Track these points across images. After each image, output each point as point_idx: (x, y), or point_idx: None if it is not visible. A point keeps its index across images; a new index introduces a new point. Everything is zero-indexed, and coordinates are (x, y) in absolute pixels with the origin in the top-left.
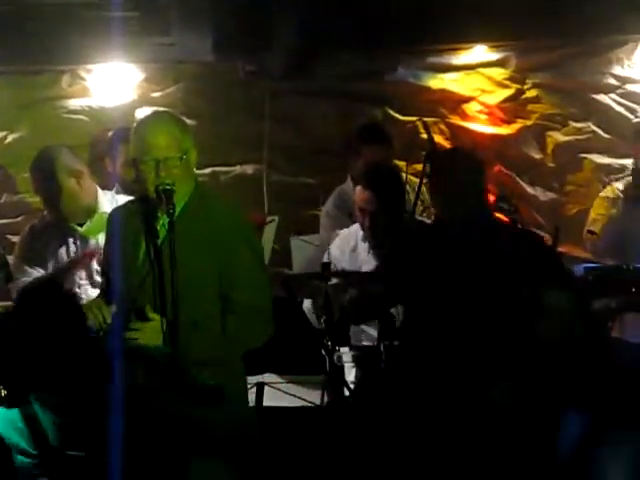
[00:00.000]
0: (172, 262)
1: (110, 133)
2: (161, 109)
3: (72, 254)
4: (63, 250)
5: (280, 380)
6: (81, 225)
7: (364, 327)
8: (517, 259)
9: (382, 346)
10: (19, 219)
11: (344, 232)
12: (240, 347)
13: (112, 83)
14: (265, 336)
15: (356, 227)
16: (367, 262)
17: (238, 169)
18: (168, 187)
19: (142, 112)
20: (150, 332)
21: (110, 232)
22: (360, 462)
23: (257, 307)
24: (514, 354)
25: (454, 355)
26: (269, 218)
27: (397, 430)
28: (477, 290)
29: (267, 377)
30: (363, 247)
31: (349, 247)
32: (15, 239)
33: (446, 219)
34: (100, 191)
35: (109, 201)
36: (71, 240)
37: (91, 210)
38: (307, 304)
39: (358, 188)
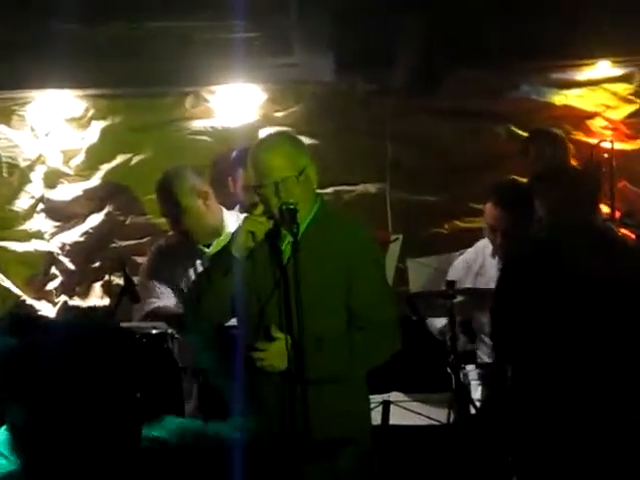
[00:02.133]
0: (297, 281)
1: (233, 154)
2: (283, 129)
3: None
4: (191, 272)
5: (406, 398)
6: (208, 246)
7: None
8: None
9: None
10: (144, 240)
11: (469, 251)
12: (367, 363)
13: (235, 104)
14: (391, 351)
15: (483, 244)
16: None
17: (361, 188)
18: (292, 207)
19: (265, 132)
20: (275, 352)
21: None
22: None
23: (384, 323)
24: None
25: (578, 374)
26: (393, 237)
27: (524, 449)
28: (598, 306)
29: (393, 395)
30: (492, 263)
31: (477, 265)
32: (140, 260)
33: (559, 234)
34: (225, 211)
35: (235, 221)
36: (199, 262)
37: (217, 231)
38: (432, 322)
39: (488, 205)
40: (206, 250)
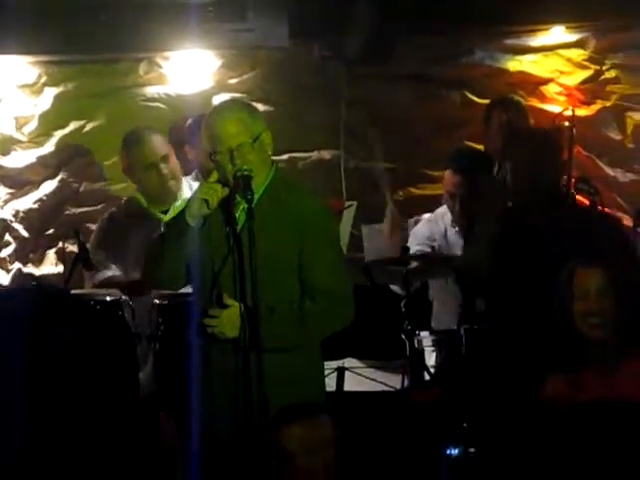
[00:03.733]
0: (251, 248)
1: (189, 121)
2: (238, 96)
3: None
4: (145, 238)
5: (360, 364)
6: (166, 212)
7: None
8: (595, 241)
9: (462, 330)
10: (98, 207)
11: (429, 217)
12: (318, 333)
13: (189, 70)
14: (344, 322)
15: (442, 211)
16: (458, 246)
17: (316, 155)
18: (246, 173)
19: (219, 99)
20: (227, 319)
21: None
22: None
23: (335, 293)
24: None
25: (534, 339)
26: (347, 203)
27: (477, 414)
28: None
29: (347, 362)
30: (452, 231)
31: (439, 232)
32: (94, 227)
33: (524, 201)
34: (183, 178)
35: (187, 188)
36: (153, 228)
37: (175, 194)
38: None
39: (447, 172)
40: (163, 216)
